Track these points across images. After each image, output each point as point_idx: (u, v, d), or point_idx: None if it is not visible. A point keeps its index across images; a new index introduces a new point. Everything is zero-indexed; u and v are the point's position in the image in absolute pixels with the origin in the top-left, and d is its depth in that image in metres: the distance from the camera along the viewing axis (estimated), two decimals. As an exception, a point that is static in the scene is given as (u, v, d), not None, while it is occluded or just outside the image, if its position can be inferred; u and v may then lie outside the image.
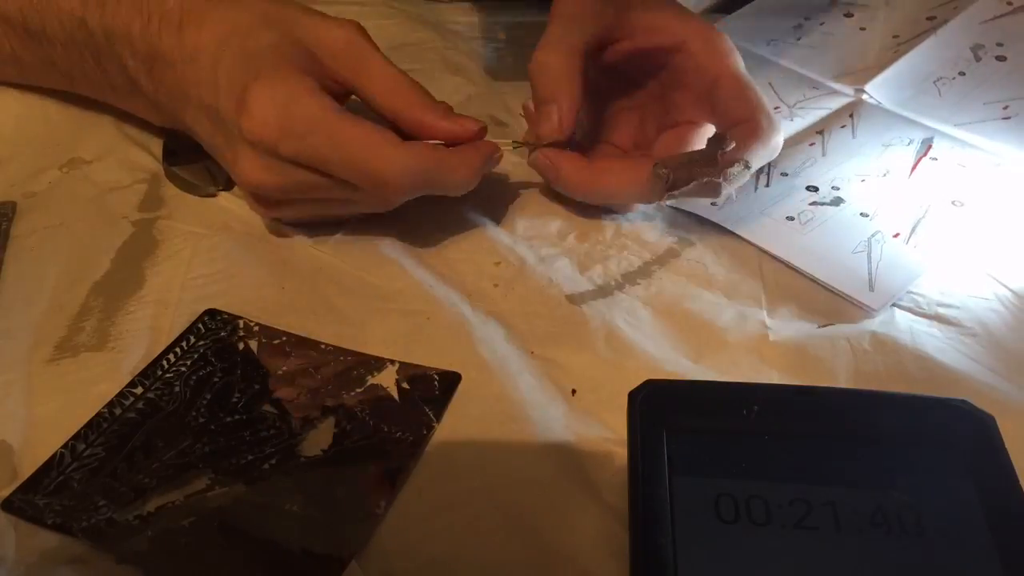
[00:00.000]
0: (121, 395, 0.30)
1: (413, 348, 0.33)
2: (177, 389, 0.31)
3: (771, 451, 0.27)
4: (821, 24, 0.55)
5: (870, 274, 0.36)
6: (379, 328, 0.34)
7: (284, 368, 0.32)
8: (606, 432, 0.29)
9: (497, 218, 0.40)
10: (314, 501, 0.27)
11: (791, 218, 0.39)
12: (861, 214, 0.39)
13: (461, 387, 0.31)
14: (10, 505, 0.26)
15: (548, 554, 0.26)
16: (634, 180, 0.36)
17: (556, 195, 0.40)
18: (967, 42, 0.51)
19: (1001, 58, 0.50)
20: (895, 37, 0.52)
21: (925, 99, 0.47)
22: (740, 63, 0.37)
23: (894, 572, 0.24)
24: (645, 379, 0.29)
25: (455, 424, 0.30)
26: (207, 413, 0.30)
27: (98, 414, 0.30)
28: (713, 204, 0.39)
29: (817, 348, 0.33)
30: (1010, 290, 0.35)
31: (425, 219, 0.39)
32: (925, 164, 0.43)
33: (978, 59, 0.50)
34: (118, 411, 0.30)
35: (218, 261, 0.36)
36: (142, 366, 0.32)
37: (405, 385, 0.31)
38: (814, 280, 0.36)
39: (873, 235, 0.38)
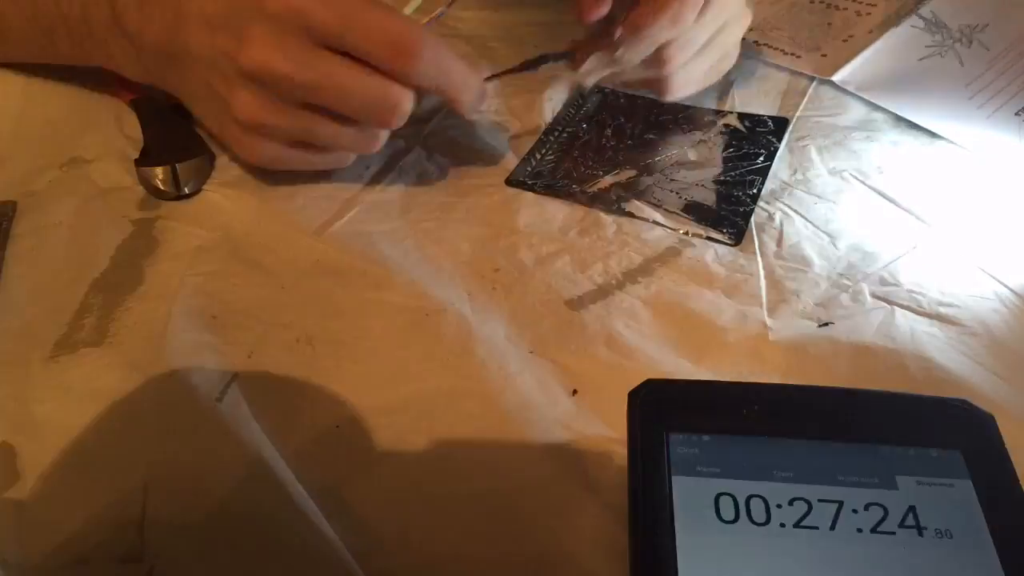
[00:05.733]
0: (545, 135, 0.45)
1: (411, 344, 0.33)
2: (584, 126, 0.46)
3: (771, 451, 0.27)
4: None
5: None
6: (377, 323, 0.34)
7: None
8: (606, 432, 0.29)
9: (498, 216, 0.40)
10: None
11: None
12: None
13: (461, 386, 0.31)
14: (511, 182, 0.42)
15: (548, 554, 0.26)
16: None
17: (557, 193, 0.40)
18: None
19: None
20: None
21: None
22: None
23: (894, 572, 0.24)
24: (645, 379, 0.29)
25: (454, 423, 0.30)
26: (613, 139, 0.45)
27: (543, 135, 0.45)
28: None
29: (817, 348, 0.33)
30: (1011, 289, 0.35)
31: (427, 218, 0.39)
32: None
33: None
34: (552, 137, 0.45)
35: (217, 260, 0.36)
36: (140, 358, 0.32)
37: None
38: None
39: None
